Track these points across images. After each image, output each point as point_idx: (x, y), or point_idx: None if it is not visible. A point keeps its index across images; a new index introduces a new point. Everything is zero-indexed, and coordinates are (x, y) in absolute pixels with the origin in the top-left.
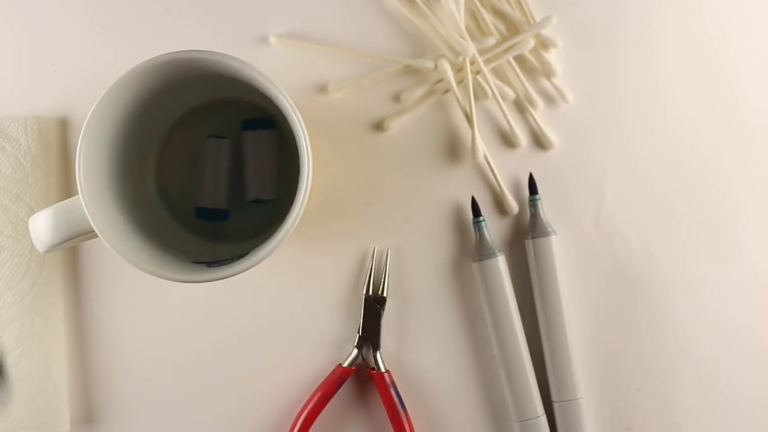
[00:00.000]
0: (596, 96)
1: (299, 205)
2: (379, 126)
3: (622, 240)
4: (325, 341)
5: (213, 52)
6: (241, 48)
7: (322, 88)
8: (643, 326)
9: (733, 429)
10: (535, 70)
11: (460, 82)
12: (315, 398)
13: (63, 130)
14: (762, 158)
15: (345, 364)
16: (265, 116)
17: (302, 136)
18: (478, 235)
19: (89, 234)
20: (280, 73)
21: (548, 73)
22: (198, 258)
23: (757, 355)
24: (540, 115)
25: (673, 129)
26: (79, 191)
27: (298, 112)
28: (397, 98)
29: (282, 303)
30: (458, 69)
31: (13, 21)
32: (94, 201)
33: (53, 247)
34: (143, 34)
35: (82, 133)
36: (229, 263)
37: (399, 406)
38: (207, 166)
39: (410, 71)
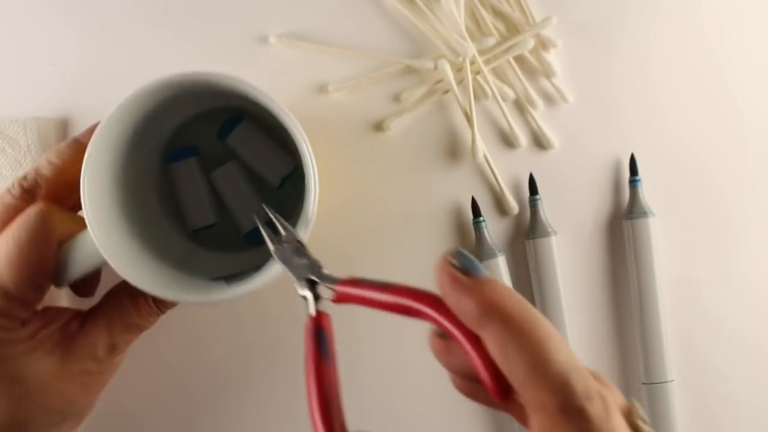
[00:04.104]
0: (596, 96)
1: (308, 220)
2: (379, 126)
3: (622, 240)
4: None
5: (218, 75)
6: (241, 48)
7: (322, 88)
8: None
9: (734, 429)
10: (535, 70)
11: (460, 82)
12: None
13: (63, 130)
14: (761, 157)
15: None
16: (230, 113)
17: (308, 158)
18: (478, 236)
19: (103, 265)
20: (280, 73)
21: (548, 73)
22: (214, 272)
23: (759, 355)
24: (540, 115)
25: (673, 129)
26: (88, 224)
27: (306, 140)
28: (397, 98)
29: (281, 303)
30: (458, 69)
31: (12, 21)
32: (103, 231)
33: (66, 284)
34: (143, 34)
35: (84, 163)
36: (248, 276)
37: (322, 355)
38: (227, 195)
39: (410, 71)
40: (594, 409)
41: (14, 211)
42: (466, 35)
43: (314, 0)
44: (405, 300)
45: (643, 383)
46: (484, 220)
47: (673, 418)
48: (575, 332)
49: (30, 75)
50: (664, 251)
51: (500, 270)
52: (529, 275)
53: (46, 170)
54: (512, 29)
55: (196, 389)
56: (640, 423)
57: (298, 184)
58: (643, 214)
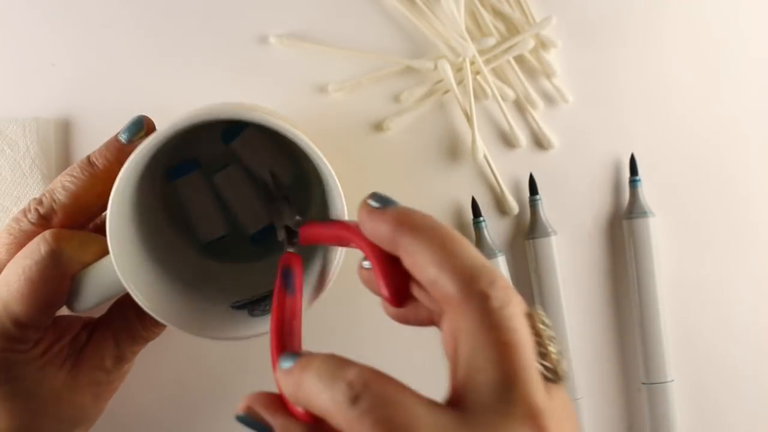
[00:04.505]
0: (596, 96)
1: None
2: (379, 126)
3: (622, 240)
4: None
5: (255, 114)
6: (241, 48)
7: (322, 88)
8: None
9: (734, 429)
10: (535, 70)
11: (460, 82)
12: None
13: (62, 131)
14: (762, 157)
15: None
16: (232, 123)
17: (334, 184)
18: (478, 236)
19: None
20: (280, 73)
21: (548, 73)
22: (233, 294)
23: (759, 355)
24: (540, 115)
25: (673, 129)
26: (111, 253)
27: (332, 171)
28: (397, 98)
29: None
30: (458, 69)
31: (12, 21)
32: (125, 262)
33: (83, 311)
34: (143, 34)
35: (111, 202)
36: (270, 305)
37: (286, 287)
38: (231, 198)
39: (410, 71)
40: (496, 293)
41: (32, 237)
42: (466, 35)
43: (314, 0)
44: (339, 231)
45: (643, 383)
46: (484, 220)
47: (673, 418)
48: (575, 332)
49: (30, 75)
50: (664, 251)
51: (500, 270)
52: (529, 275)
53: (61, 196)
54: (512, 29)
55: (196, 390)
56: (540, 326)
57: (300, 194)
58: (643, 214)
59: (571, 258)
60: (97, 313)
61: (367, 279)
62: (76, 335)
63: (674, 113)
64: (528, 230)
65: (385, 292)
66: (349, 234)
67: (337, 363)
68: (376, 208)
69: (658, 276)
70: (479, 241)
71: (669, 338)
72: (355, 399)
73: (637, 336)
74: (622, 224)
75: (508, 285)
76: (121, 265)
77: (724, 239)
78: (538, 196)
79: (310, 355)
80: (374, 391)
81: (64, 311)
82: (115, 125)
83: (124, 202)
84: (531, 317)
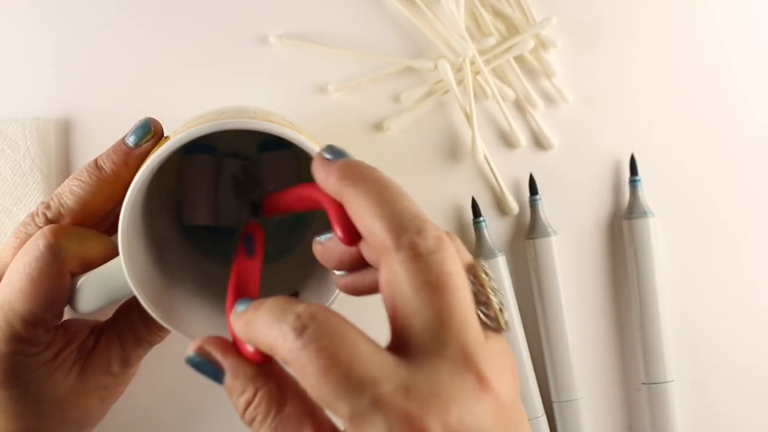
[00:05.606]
0: (596, 96)
1: None
2: (379, 126)
3: (621, 240)
4: None
5: (276, 128)
6: (241, 48)
7: (322, 88)
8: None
9: (734, 429)
10: (535, 70)
11: (460, 82)
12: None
13: (63, 131)
14: (762, 156)
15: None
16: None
17: None
18: (478, 236)
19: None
20: (280, 73)
21: (548, 73)
22: None
23: (759, 355)
24: (540, 115)
25: (673, 129)
26: (122, 260)
27: None
28: (397, 98)
29: None
30: (458, 69)
31: (12, 21)
32: (135, 268)
33: (89, 312)
34: (143, 34)
35: (123, 212)
36: None
37: (245, 252)
38: (223, 184)
39: (410, 71)
40: (424, 241)
41: None
42: (466, 35)
43: (314, 0)
44: (299, 190)
45: (643, 383)
46: (484, 220)
47: (673, 418)
48: (575, 332)
49: (30, 75)
50: (664, 251)
51: (500, 270)
52: (529, 275)
53: (69, 200)
54: (512, 29)
55: (198, 391)
56: (482, 276)
57: (306, 215)
58: (643, 214)
59: (571, 258)
60: (103, 317)
61: (321, 252)
62: (84, 340)
63: (674, 113)
64: (528, 230)
65: (339, 232)
66: (308, 190)
67: (288, 301)
68: (328, 159)
69: (658, 276)
70: (479, 241)
71: (669, 338)
72: (301, 329)
73: (637, 336)
74: (622, 224)
75: (438, 234)
76: (131, 271)
77: (724, 239)
78: (538, 196)
79: (264, 299)
80: (321, 322)
81: (74, 315)
82: (116, 125)
83: (135, 210)
84: (473, 267)
